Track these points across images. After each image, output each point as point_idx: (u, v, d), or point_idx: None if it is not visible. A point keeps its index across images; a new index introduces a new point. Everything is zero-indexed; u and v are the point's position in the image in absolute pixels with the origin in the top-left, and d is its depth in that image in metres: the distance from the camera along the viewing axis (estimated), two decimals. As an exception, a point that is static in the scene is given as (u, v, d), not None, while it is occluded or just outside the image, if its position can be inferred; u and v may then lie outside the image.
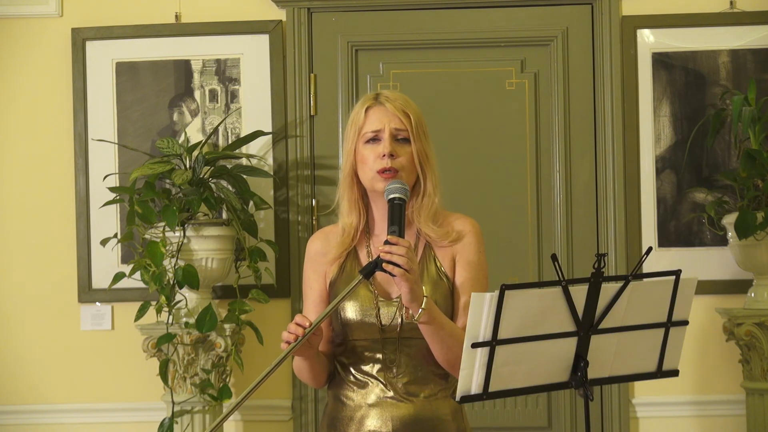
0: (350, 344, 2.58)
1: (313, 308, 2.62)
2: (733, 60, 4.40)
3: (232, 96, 4.47)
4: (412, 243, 2.51)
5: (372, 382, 2.56)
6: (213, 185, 4.18)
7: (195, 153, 4.17)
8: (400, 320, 2.54)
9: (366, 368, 2.57)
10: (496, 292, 2.12)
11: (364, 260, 2.59)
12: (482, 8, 4.46)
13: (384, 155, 2.54)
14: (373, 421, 2.55)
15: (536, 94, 4.45)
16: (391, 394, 2.56)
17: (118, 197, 4.23)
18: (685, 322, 2.34)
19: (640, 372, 2.35)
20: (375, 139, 2.57)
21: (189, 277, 4.03)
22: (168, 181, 4.19)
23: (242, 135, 4.39)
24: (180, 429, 4.13)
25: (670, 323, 2.31)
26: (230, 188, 4.22)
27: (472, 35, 4.46)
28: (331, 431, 2.60)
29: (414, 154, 2.57)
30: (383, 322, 2.54)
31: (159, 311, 4.07)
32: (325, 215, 4.42)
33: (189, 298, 4.15)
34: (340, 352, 2.61)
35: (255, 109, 4.46)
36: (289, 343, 2.37)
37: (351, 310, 2.55)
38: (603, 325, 2.24)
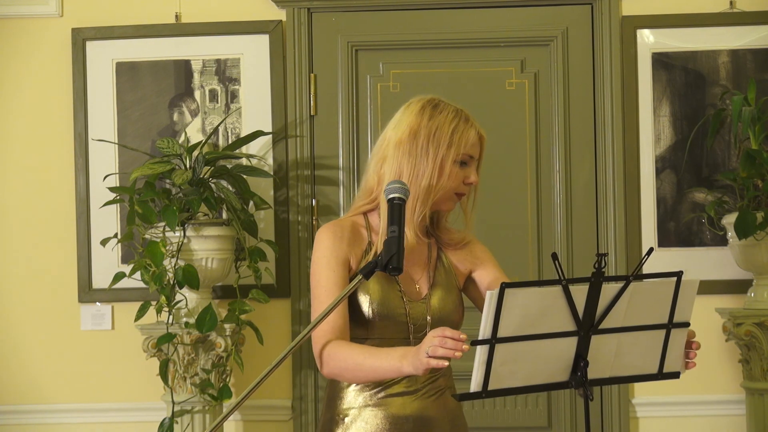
0: (374, 341, 2.53)
1: (332, 295, 2.50)
2: (733, 60, 4.40)
3: (232, 96, 4.47)
4: (425, 248, 2.60)
5: (394, 379, 2.55)
6: (213, 185, 4.18)
7: (195, 153, 4.17)
8: (428, 319, 2.55)
9: None
10: (496, 290, 2.12)
11: None
12: (482, 8, 4.47)
13: (471, 182, 2.59)
14: (391, 418, 2.54)
15: (536, 94, 4.45)
16: (413, 390, 2.56)
17: (118, 197, 4.23)
18: (687, 324, 2.33)
19: (641, 373, 2.34)
20: (464, 162, 2.59)
21: (189, 277, 4.03)
22: (168, 181, 4.19)
23: (242, 135, 4.39)
24: (180, 429, 4.13)
25: (671, 324, 2.31)
26: (230, 188, 4.22)
27: (472, 35, 4.46)
28: (337, 427, 2.59)
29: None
30: (412, 322, 2.55)
31: (159, 311, 4.07)
32: (325, 216, 4.42)
33: (189, 298, 4.15)
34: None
35: (255, 109, 4.46)
36: (443, 358, 2.24)
37: (379, 308, 2.53)
38: (603, 325, 2.23)
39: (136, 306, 4.12)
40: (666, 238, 4.40)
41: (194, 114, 4.48)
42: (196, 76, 4.48)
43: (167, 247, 4.06)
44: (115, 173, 4.43)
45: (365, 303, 2.53)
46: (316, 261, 2.55)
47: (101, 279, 4.42)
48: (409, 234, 2.55)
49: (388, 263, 2.33)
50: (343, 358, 2.45)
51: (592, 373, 2.26)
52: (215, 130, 4.42)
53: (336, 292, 2.49)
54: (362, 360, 2.42)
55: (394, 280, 2.55)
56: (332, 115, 4.47)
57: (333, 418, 2.60)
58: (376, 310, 2.53)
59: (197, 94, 4.48)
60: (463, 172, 2.59)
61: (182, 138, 4.38)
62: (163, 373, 4.08)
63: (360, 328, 2.56)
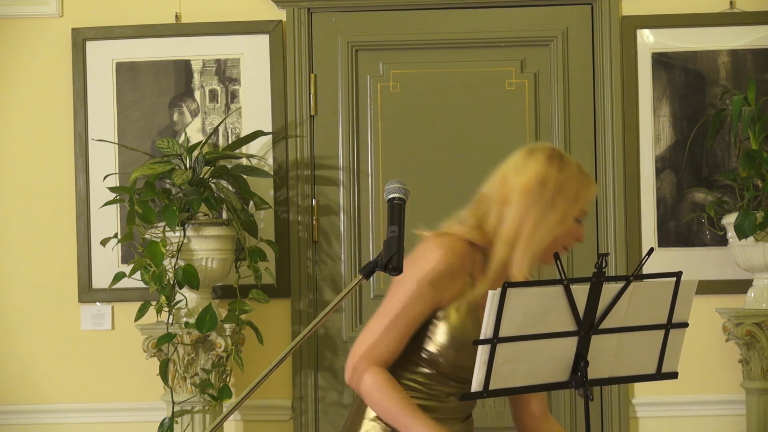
0: (447, 368, 2.49)
1: (400, 326, 2.44)
2: (733, 60, 4.40)
3: (232, 96, 4.47)
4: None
5: (450, 400, 2.53)
6: (213, 185, 4.18)
7: (195, 153, 4.17)
8: None
9: (450, 390, 2.51)
10: (499, 290, 2.12)
11: (483, 298, 2.29)
12: (482, 8, 4.47)
13: (581, 240, 2.52)
14: None
15: (536, 94, 4.45)
16: (456, 417, 2.55)
17: (118, 197, 4.23)
18: (685, 324, 2.34)
19: (639, 373, 2.35)
20: (579, 219, 2.52)
21: (189, 277, 4.03)
22: (168, 181, 4.19)
23: (242, 135, 4.39)
24: (180, 429, 4.13)
25: (670, 325, 2.31)
26: (230, 188, 4.22)
27: (472, 35, 4.46)
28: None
29: None
30: None
31: (159, 311, 4.07)
32: (325, 216, 4.42)
33: (189, 298, 4.15)
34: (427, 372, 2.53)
35: (255, 109, 4.46)
36: None
37: (459, 334, 2.45)
38: (604, 325, 2.24)
39: (136, 306, 4.13)
40: (666, 238, 4.40)
41: (194, 114, 4.48)
42: (196, 76, 4.48)
43: (167, 247, 4.06)
44: (115, 173, 4.43)
45: (442, 330, 2.47)
46: (410, 279, 2.46)
47: (101, 279, 4.42)
48: (523, 273, 2.45)
49: (388, 263, 2.32)
50: (389, 396, 2.41)
51: (592, 373, 2.26)
52: (215, 130, 4.42)
53: (405, 328, 2.43)
54: (403, 412, 2.40)
55: (473, 309, 2.47)
56: (332, 115, 4.47)
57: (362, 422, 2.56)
58: (456, 337, 2.46)
59: (197, 94, 4.48)
60: (577, 228, 2.52)
61: (182, 138, 4.39)
62: (163, 373, 4.08)
63: (431, 354, 2.49)
